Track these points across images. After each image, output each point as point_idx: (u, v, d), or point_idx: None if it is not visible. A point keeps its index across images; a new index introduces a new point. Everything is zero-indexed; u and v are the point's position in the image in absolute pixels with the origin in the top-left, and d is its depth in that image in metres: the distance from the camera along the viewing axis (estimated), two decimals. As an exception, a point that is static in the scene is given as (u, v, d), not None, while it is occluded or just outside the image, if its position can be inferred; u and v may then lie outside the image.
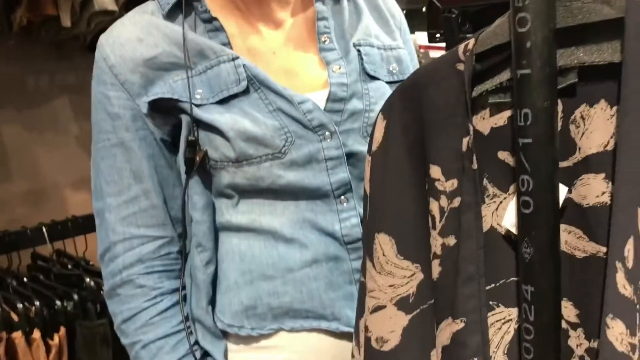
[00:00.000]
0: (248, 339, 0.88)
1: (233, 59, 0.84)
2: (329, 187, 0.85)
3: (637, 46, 0.46)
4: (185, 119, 0.83)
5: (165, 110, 0.85)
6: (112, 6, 1.58)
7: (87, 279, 1.62)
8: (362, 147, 0.86)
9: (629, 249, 0.46)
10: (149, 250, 0.87)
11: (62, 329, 1.53)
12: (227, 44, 0.86)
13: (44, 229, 1.76)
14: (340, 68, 0.88)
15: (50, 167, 2.11)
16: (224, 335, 0.89)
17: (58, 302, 1.54)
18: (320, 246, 0.85)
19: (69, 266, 1.74)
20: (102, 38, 0.87)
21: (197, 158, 0.83)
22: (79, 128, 2.17)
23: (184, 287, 0.91)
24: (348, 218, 0.86)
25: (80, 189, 2.10)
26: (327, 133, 0.84)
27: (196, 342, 0.90)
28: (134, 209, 0.87)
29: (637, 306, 0.46)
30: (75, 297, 1.56)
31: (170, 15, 0.87)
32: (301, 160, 0.84)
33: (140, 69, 0.84)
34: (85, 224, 1.83)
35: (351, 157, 0.86)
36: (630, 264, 0.46)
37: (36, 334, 1.50)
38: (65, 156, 2.11)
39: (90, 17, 1.62)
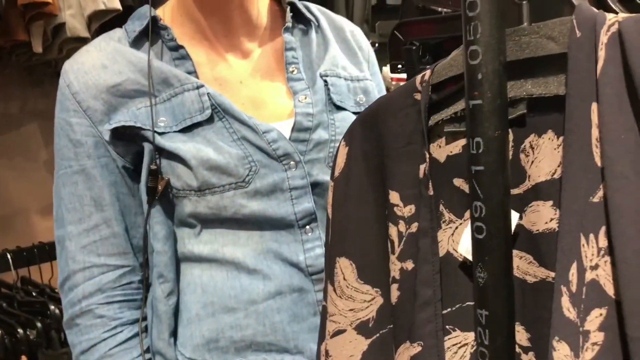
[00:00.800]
0: None
1: (197, 87, 0.84)
2: (293, 217, 0.85)
3: (578, 79, 0.48)
4: (147, 147, 0.83)
5: (127, 138, 0.85)
6: (84, 33, 1.59)
7: (52, 307, 1.59)
8: (327, 177, 0.86)
9: (573, 273, 0.48)
10: (110, 280, 0.86)
11: (24, 358, 1.49)
12: (193, 72, 0.87)
13: (9, 256, 1.73)
14: (306, 98, 0.89)
15: (18, 193, 2.09)
16: None
17: (20, 330, 1.50)
18: (284, 277, 0.85)
19: (34, 293, 1.71)
20: (67, 65, 0.87)
21: (159, 187, 0.83)
22: (48, 154, 2.16)
23: (145, 318, 0.90)
24: (312, 248, 0.86)
25: (48, 215, 2.05)
26: (292, 162, 0.85)
27: None
28: (94, 237, 0.86)
29: (580, 329, 0.48)
30: (39, 325, 1.53)
31: (137, 43, 0.87)
32: (265, 190, 0.84)
33: (104, 96, 0.84)
34: (52, 251, 1.79)
35: (316, 187, 0.87)
36: (574, 288, 0.48)
37: (-3, 363, 1.47)
38: (34, 182, 2.10)
39: (62, 44, 1.62)
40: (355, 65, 0.99)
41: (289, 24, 0.94)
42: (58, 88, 0.88)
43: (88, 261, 0.85)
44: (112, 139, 0.84)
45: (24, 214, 2.10)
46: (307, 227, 0.86)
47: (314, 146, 0.87)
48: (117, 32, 0.90)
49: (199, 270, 0.86)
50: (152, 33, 0.87)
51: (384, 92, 1.05)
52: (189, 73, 0.86)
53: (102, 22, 1.64)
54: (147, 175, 0.83)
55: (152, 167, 0.83)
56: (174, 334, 0.88)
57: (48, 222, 2.09)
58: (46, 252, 1.80)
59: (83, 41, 1.62)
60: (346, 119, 0.90)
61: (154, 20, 0.87)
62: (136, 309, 0.88)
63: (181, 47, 0.87)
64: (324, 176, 0.87)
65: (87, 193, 0.86)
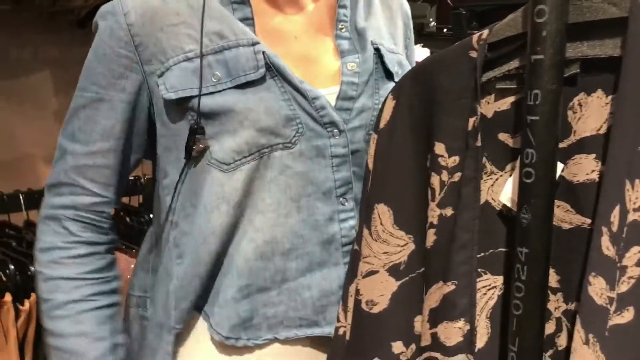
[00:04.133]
0: (243, 350, 0.89)
1: (253, 44, 0.84)
2: (332, 183, 0.87)
3: (637, 42, 0.53)
4: (195, 105, 0.84)
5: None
6: (114, -18, 1.59)
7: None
8: (366, 145, 0.88)
9: (615, 215, 0.54)
10: (85, 203, 0.89)
11: (33, 296, 1.50)
12: (251, 19, 0.87)
13: (21, 197, 1.76)
14: (354, 66, 0.90)
15: (25, 139, 2.10)
16: (220, 346, 0.89)
17: (32, 268, 1.52)
18: (316, 254, 0.87)
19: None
20: None
21: (201, 146, 0.84)
22: (58, 103, 2.16)
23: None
24: (347, 219, 0.88)
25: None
26: (335, 130, 0.86)
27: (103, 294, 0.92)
28: (89, 162, 0.88)
29: (618, 264, 0.53)
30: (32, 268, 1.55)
31: None
32: (309, 153, 0.85)
33: (158, 35, 0.83)
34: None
35: (356, 154, 0.88)
36: (615, 228, 0.53)
37: (7, 297, 1.49)
38: (43, 129, 2.10)
39: (89, -10, 1.63)
40: (392, 37, 1.00)
41: None
42: (111, 11, 0.86)
43: (75, 180, 0.89)
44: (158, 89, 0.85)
45: (30, 160, 2.11)
46: (342, 197, 0.88)
47: (357, 114, 0.89)
48: None
49: (234, 252, 0.87)
50: None
51: (414, 64, 1.06)
52: (247, 19, 0.87)
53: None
54: (189, 134, 0.84)
55: (194, 126, 0.83)
56: (197, 303, 0.89)
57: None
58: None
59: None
60: (390, 89, 0.89)
61: None
62: (100, 233, 0.92)
63: None
64: (365, 144, 0.89)
65: (102, 121, 0.87)
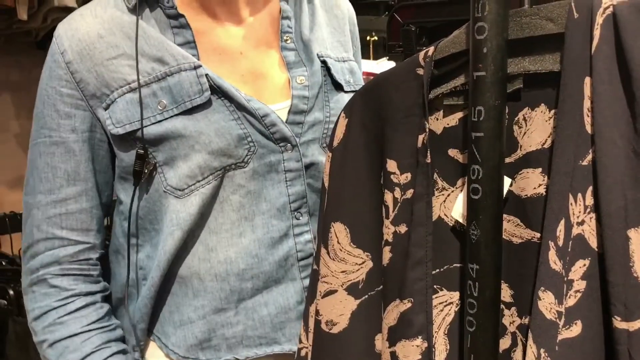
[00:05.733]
0: None
1: (195, 67, 0.83)
2: (286, 198, 0.87)
3: (573, 56, 0.54)
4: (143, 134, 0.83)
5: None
6: (71, 3, 1.58)
7: (24, 275, 1.58)
8: (321, 157, 0.88)
9: (560, 229, 0.54)
10: (68, 253, 0.86)
11: (-7, 324, 1.49)
12: (192, 42, 0.86)
13: (-19, 223, 1.73)
14: (303, 80, 0.89)
15: (-13, 163, 2.07)
16: None
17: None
18: (272, 271, 0.87)
19: (3, 262, 1.70)
20: (61, 29, 0.85)
21: (145, 170, 0.83)
22: (19, 126, 2.13)
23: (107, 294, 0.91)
24: (302, 234, 0.88)
25: (18, 187, 2.04)
26: (288, 145, 0.86)
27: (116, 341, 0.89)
28: (61, 210, 0.85)
29: (565, 278, 0.53)
30: (11, 292, 1.53)
31: (135, 10, 0.84)
32: (262, 170, 0.85)
33: (98, 69, 0.82)
34: (23, 221, 1.79)
35: (310, 168, 0.88)
36: (561, 242, 0.54)
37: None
38: (4, 153, 2.07)
39: (47, 13, 1.61)
40: (342, 45, 1.00)
41: None
42: (49, 52, 0.85)
43: (51, 232, 0.85)
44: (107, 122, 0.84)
45: (-8, 185, 2.08)
46: (297, 211, 0.88)
47: (309, 128, 0.88)
48: None
49: (188, 274, 0.86)
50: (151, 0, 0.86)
51: (361, 72, 1.06)
52: (188, 43, 0.86)
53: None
54: (135, 159, 0.83)
55: (140, 151, 0.82)
56: (152, 324, 0.89)
57: (18, 194, 2.06)
58: (18, 222, 1.79)
59: (69, 11, 1.60)
60: (340, 100, 0.91)
61: None
62: (91, 282, 0.89)
63: (181, 15, 0.85)
64: (318, 157, 0.89)
65: (62, 166, 0.85)
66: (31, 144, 0.87)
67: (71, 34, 0.83)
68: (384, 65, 2.15)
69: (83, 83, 0.83)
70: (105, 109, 0.83)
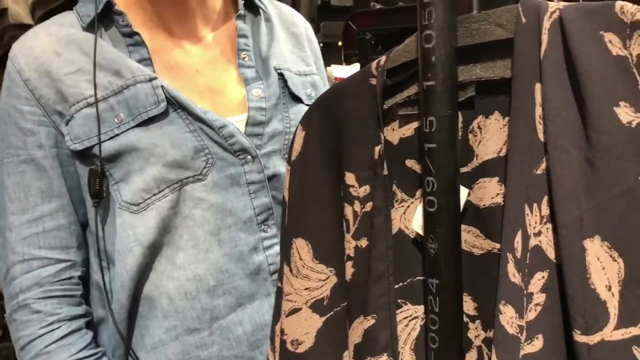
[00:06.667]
0: None
1: (150, 80, 0.83)
2: (252, 211, 0.85)
3: (523, 62, 0.53)
4: (100, 149, 0.81)
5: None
6: (27, 20, 1.55)
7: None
8: (283, 168, 0.87)
9: (518, 240, 0.52)
10: (49, 274, 0.83)
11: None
12: (148, 59, 0.85)
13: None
14: (259, 92, 0.89)
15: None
16: None
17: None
18: (244, 288, 0.85)
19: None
20: (15, 49, 0.84)
21: (104, 189, 0.81)
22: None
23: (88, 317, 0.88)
24: (271, 246, 0.87)
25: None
26: (248, 157, 0.85)
27: None
28: (37, 229, 0.83)
29: (525, 292, 0.52)
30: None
31: (91, 28, 0.84)
32: (223, 183, 0.84)
33: (57, 85, 0.82)
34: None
35: (273, 179, 0.88)
36: (519, 255, 0.52)
37: None
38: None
39: (3, 30, 1.58)
40: (303, 60, 1.00)
41: (242, 12, 0.94)
42: (5, 72, 0.84)
43: (27, 253, 0.83)
44: (68, 136, 0.82)
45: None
46: (265, 224, 0.86)
47: (269, 139, 0.88)
48: (67, 17, 0.87)
49: (156, 293, 0.84)
50: (106, 18, 0.86)
51: (328, 87, 1.07)
52: (144, 60, 0.85)
53: (47, 10, 1.61)
54: (90, 177, 0.81)
55: (93, 167, 0.81)
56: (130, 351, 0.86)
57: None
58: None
59: (26, 28, 1.56)
60: (300, 111, 0.90)
61: (108, 5, 0.85)
62: (75, 305, 0.86)
63: (136, 33, 0.86)
64: (280, 168, 0.88)
65: (34, 183, 0.83)
66: None
67: (27, 52, 0.83)
68: (356, 69, 2.14)
69: (44, 99, 0.82)
70: (66, 124, 0.83)
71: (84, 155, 0.83)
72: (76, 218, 0.87)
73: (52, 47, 0.83)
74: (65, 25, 0.85)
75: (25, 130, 0.83)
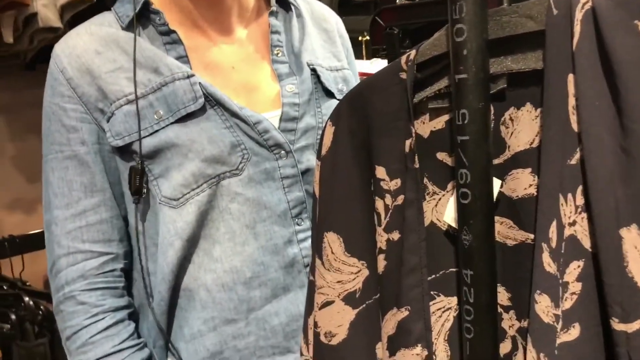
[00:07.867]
0: None
1: (188, 77, 0.84)
2: (286, 205, 0.87)
3: (555, 53, 0.53)
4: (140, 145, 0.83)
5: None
6: (56, 23, 1.58)
7: (26, 299, 1.58)
8: None
9: (553, 230, 0.53)
10: (93, 267, 0.86)
11: (-2, 352, 1.49)
12: (185, 56, 0.87)
13: (-20, 248, 1.72)
14: (292, 88, 0.90)
15: (-16, 188, 2.06)
16: None
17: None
18: (279, 279, 0.87)
19: (4, 287, 1.69)
20: (57, 48, 0.87)
21: (145, 185, 0.83)
22: (15, 149, 2.12)
23: (131, 308, 0.90)
24: (305, 239, 0.88)
25: (16, 209, 2.05)
26: (282, 152, 0.87)
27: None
28: (80, 223, 0.86)
29: (560, 281, 0.52)
30: (13, 317, 1.52)
31: (130, 27, 0.86)
32: (258, 177, 0.85)
33: (98, 83, 0.84)
34: (23, 244, 1.79)
35: (306, 174, 0.89)
36: (554, 244, 0.52)
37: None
38: (1, 177, 2.07)
39: (33, 34, 1.61)
40: (334, 55, 1.01)
41: (274, 8, 0.96)
42: (49, 72, 0.87)
43: (72, 247, 0.86)
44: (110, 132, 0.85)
45: (-10, 209, 2.07)
46: (299, 217, 0.88)
47: (302, 134, 0.89)
48: (106, 17, 0.89)
49: (195, 285, 0.86)
50: (143, 17, 0.87)
51: (359, 80, 1.08)
52: (181, 57, 0.87)
53: (75, 13, 1.63)
54: (130, 174, 0.83)
55: (134, 164, 0.83)
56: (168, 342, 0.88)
57: (15, 216, 2.07)
58: (17, 245, 1.78)
59: (55, 31, 1.60)
60: (332, 107, 0.89)
61: (146, 4, 0.87)
62: (118, 296, 0.88)
63: (173, 31, 0.87)
64: (313, 162, 0.89)
65: (77, 179, 0.86)
66: (43, 162, 0.88)
67: (69, 51, 0.85)
68: (377, 64, 2.13)
69: (85, 97, 0.85)
70: (107, 121, 0.85)
71: (125, 151, 0.85)
72: (118, 212, 0.89)
73: (93, 46, 0.85)
74: (105, 25, 0.88)
75: (68, 127, 0.85)
